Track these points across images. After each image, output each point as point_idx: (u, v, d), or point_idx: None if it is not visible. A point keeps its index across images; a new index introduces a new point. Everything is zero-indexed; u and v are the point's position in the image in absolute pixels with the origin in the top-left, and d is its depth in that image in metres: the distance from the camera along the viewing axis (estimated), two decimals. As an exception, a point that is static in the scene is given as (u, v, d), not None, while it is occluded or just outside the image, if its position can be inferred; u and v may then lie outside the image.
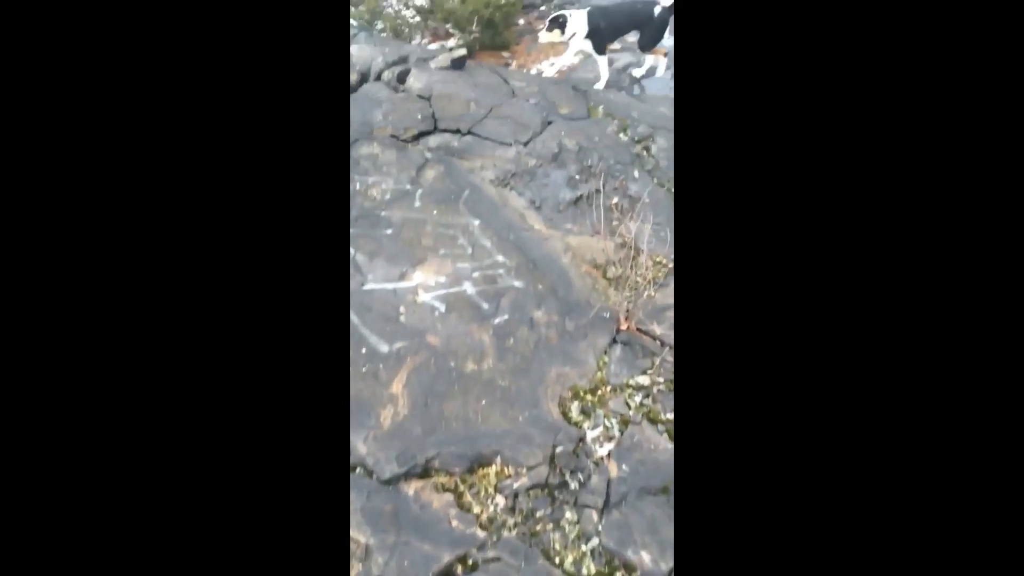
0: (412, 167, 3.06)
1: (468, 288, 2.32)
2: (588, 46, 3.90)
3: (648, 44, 3.94)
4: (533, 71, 4.43)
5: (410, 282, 2.31)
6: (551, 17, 3.87)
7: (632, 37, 4.02)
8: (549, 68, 4.36)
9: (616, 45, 4.04)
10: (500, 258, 2.51)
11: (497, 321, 2.18)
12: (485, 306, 2.25)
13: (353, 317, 2.11)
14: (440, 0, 4.70)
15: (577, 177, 3.09)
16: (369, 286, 2.26)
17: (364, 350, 2.01)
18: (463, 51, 4.03)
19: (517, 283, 2.37)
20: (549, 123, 3.47)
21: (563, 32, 3.83)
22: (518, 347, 2.10)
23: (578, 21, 3.79)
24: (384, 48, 4.15)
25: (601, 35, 3.86)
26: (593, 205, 2.91)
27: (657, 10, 3.76)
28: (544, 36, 3.91)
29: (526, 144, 3.30)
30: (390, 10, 5.12)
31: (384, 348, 2.02)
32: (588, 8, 3.88)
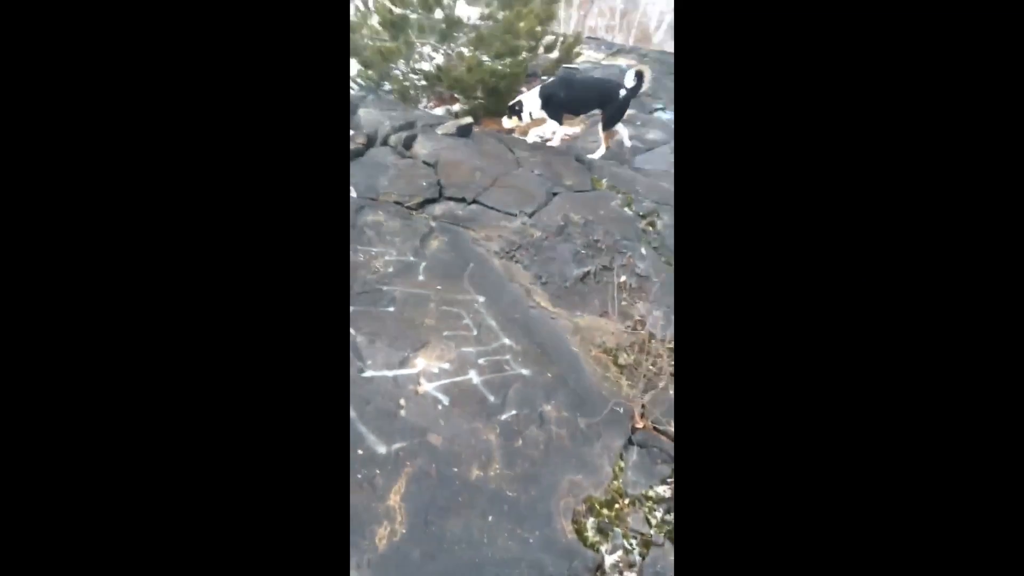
0: (416, 237, 2.85)
1: (473, 377, 2.07)
2: (543, 115, 3.85)
3: (609, 124, 3.86)
4: (535, 137, 4.32)
5: (412, 369, 2.06)
6: (509, 105, 3.86)
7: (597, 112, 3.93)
8: (551, 134, 4.25)
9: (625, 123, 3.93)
10: (507, 341, 2.28)
11: (504, 417, 1.93)
12: (491, 398, 2.00)
13: (351, 411, 1.85)
14: (447, 67, 4.62)
15: (583, 252, 2.90)
16: (368, 373, 2.01)
17: (360, 451, 1.74)
18: (469, 119, 3.91)
19: (525, 371, 2.13)
20: (554, 194, 3.31)
21: (521, 118, 3.81)
22: (527, 449, 1.84)
23: (531, 98, 3.77)
24: (391, 112, 4.02)
25: (558, 104, 3.79)
26: (601, 283, 2.72)
27: (621, 92, 3.70)
28: (507, 122, 3.89)
29: (531, 215, 3.13)
30: (398, 72, 5.04)
31: (382, 450, 1.75)
32: (541, 85, 3.86)
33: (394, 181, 3.26)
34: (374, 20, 4.50)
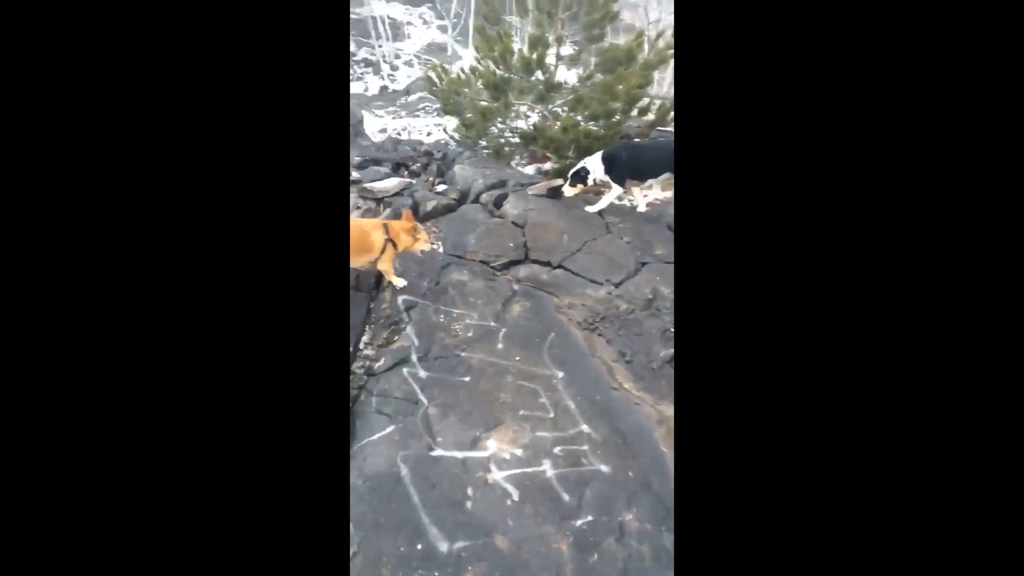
0: (498, 300, 2.72)
1: (547, 469, 1.85)
2: (608, 179, 3.57)
3: None
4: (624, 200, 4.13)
5: (483, 452, 1.88)
6: (572, 172, 3.60)
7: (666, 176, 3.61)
8: (641, 199, 4.05)
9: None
10: (585, 428, 2.05)
11: (579, 523, 1.69)
12: (566, 497, 1.77)
13: (414, 495, 1.69)
14: (542, 127, 4.60)
15: (673, 331, 2.64)
16: (437, 452, 1.85)
17: (420, 547, 1.56)
18: (560, 180, 3.81)
19: (604, 467, 1.89)
20: (643, 264, 3.08)
21: (586, 183, 3.55)
22: (603, 567, 1.58)
23: (595, 163, 3.51)
24: (485, 170, 4.01)
25: (622, 166, 3.50)
26: (692, 369, 2.43)
27: None
28: (569, 191, 3.62)
29: (618, 285, 2.91)
30: (494, 129, 5.10)
31: (443, 547, 1.57)
32: (602, 150, 3.62)
33: (481, 239, 3.19)
34: (478, 83, 4.59)
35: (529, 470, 1.84)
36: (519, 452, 1.89)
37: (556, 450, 1.93)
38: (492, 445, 1.91)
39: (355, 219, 2.72)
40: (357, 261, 2.54)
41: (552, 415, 2.08)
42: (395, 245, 2.58)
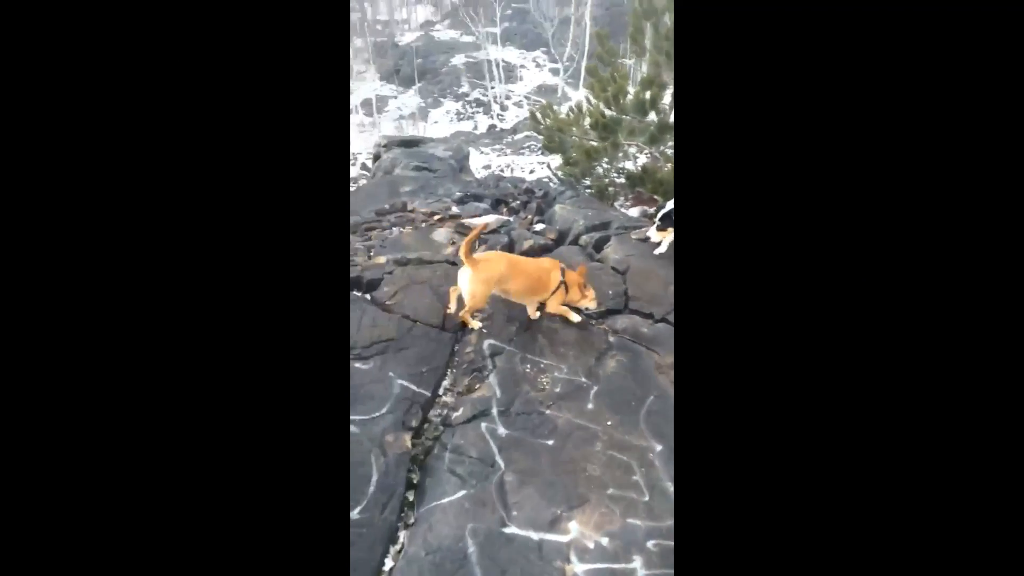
0: (592, 352, 2.48)
1: (639, 568, 1.55)
2: None
3: None
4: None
5: (563, 536, 1.63)
6: (663, 214, 3.13)
7: None
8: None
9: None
10: (686, 521, 1.72)
11: (675, 650, 1.37)
12: (659, 610, 1.46)
13: (479, 578, 1.48)
14: (652, 168, 4.36)
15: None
16: (511, 530, 1.63)
17: (481, 645, 1.34)
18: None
19: None
20: (763, 326, 2.69)
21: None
22: None
23: None
24: (587, 211, 3.82)
25: None
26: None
27: None
28: (657, 235, 3.17)
29: (732, 349, 2.55)
30: (600, 169, 4.94)
31: (508, 652, 1.33)
32: None
33: (578, 285, 2.98)
34: (586, 122, 4.48)
35: (616, 566, 1.55)
36: (605, 542, 1.62)
37: (650, 544, 1.62)
38: (574, 528, 1.65)
39: (535, 259, 2.77)
40: (530, 298, 2.57)
41: (647, 498, 1.78)
42: (567, 289, 2.56)
